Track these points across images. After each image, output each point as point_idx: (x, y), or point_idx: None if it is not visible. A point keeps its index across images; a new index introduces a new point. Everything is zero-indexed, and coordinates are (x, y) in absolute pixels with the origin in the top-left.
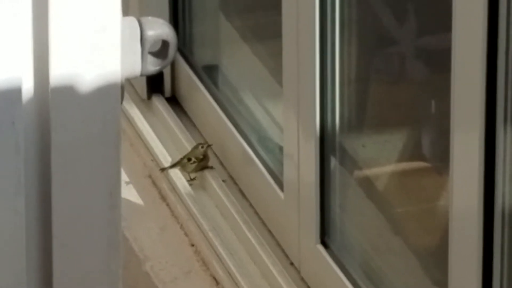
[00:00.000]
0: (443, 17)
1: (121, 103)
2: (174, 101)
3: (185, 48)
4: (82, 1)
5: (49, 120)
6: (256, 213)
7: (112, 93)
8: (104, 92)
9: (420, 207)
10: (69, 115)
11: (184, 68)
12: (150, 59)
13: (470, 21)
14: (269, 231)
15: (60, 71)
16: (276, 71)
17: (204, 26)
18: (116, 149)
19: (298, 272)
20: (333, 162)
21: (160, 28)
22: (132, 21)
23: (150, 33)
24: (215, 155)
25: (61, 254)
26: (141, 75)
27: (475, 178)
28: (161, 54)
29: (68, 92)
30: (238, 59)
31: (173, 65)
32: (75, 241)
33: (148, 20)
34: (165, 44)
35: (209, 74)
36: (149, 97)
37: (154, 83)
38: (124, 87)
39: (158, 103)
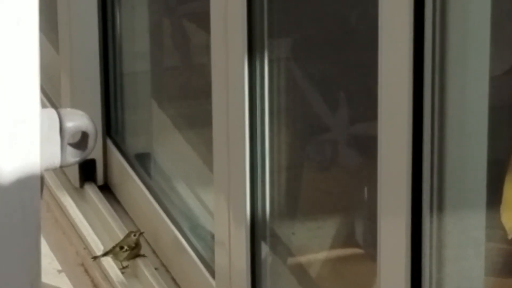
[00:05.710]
0: (372, 105)
1: (41, 194)
2: (106, 189)
3: (117, 136)
4: (0, 93)
5: None
6: None
7: (32, 184)
8: (23, 183)
9: None
10: None
11: (116, 156)
12: (70, 150)
13: (395, 108)
14: None
15: None
16: (208, 159)
17: (136, 114)
18: (36, 240)
19: None
20: (265, 249)
21: (79, 120)
22: (51, 113)
23: (69, 124)
24: (147, 243)
25: None
26: (61, 166)
27: (402, 264)
28: (81, 145)
29: None
30: (170, 147)
31: (105, 153)
32: None
33: (67, 112)
34: (84, 135)
35: (141, 162)
36: (82, 185)
37: (87, 171)
38: (44, 178)
39: (91, 191)
